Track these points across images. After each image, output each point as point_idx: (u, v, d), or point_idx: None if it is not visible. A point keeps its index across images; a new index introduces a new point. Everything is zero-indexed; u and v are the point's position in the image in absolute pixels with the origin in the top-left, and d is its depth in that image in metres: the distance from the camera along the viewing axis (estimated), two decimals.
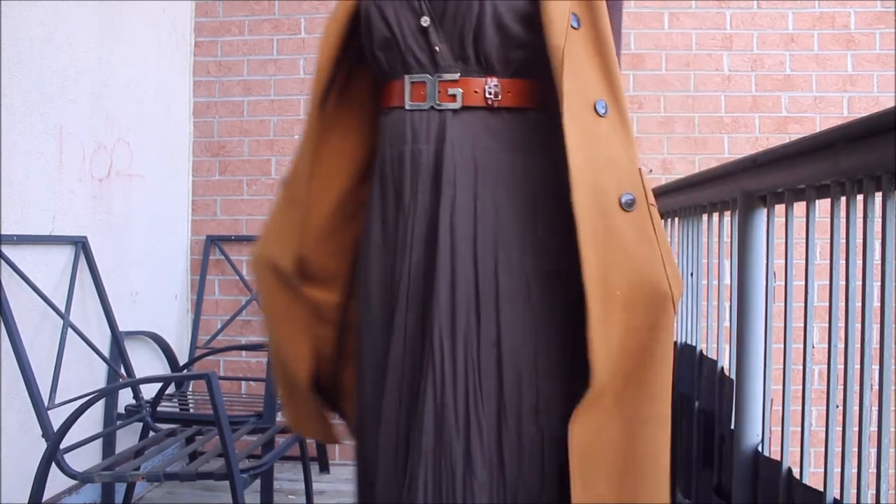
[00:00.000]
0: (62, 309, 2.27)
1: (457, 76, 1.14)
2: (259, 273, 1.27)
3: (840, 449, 1.40)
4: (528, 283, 1.11)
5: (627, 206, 1.08)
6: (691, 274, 2.54)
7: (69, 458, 1.92)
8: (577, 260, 1.04)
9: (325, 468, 3.13)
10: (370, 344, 1.18)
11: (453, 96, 1.14)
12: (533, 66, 1.14)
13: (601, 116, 1.09)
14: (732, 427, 1.85)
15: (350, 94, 1.25)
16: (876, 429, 1.28)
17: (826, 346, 1.47)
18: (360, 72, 1.24)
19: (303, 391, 1.25)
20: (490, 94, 1.14)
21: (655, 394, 1.09)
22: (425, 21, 1.13)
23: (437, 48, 1.14)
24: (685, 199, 2.52)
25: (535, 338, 1.11)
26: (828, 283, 1.48)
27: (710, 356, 2.25)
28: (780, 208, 1.72)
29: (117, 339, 2.53)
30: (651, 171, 3.24)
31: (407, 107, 1.15)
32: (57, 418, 1.99)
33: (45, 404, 2.02)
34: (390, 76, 1.18)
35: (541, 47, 1.10)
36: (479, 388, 1.07)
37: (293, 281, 1.22)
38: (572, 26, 1.09)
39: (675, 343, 2.61)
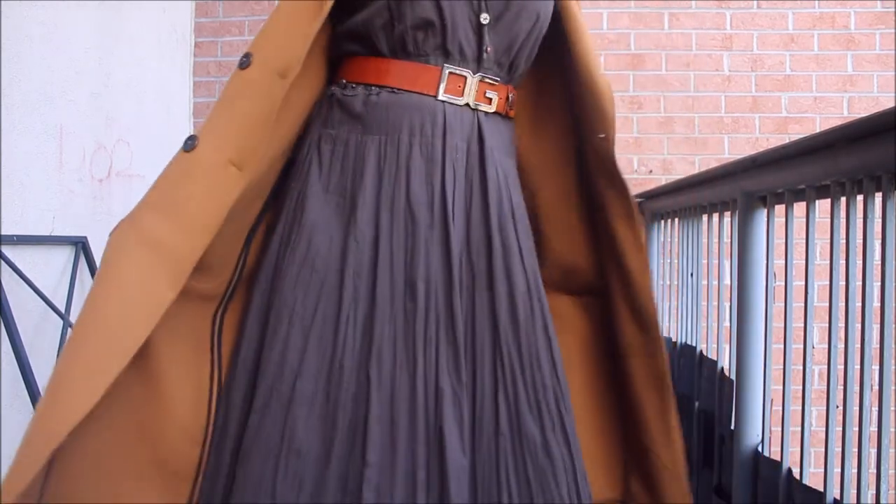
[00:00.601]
0: (62, 309, 2.27)
1: (497, 80, 1.15)
2: (126, 247, 1.03)
3: (840, 449, 1.40)
4: (537, 280, 1.16)
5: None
6: (691, 274, 2.54)
7: None
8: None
9: None
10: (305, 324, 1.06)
11: (490, 99, 1.14)
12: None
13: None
14: (732, 427, 1.85)
15: (314, 58, 1.16)
16: (876, 429, 1.28)
17: (826, 346, 1.47)
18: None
19: (52, 435, 0.95)
20: (510, 103, 1.19)
21: None
22: (485, 18, 1.11)
23: (488, 49, 1.12)
24: (685, 199, 2.52)
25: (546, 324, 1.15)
26: (828, 283, 1.49)
27: (710, 356, 2.25)
28: (780, 208, 1.72)
29: None
30: (651, 171, 3.24)
31: (440, 97, 1.11)
32: None
33: None
34: (420, 57, 1.11)
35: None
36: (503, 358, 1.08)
37: (179, 270, 1.01)
38: None
39: (675, 343, 2.62)
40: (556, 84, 1.26)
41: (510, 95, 1.19)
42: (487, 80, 1.14)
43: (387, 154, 1.10)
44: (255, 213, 1.15)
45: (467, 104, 1.13)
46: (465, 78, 1.12)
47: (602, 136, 1.27)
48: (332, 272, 1.07)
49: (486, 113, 1.15)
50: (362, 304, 1.06)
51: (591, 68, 1.18)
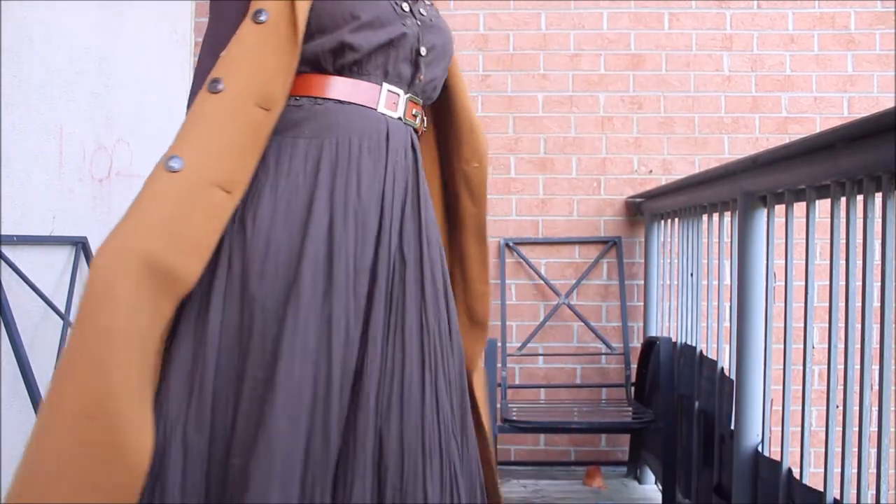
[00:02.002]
0: (62, 309, 2.27)
1: (420, 101, 1.34)
2: (122, 273, 1.05)
3: (840, 449, 1.40)
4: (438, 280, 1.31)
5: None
6: (691, 274, 2.54)
7: None
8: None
9: None
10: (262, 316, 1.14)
11: (415, 116, 1.33)
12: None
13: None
14: (732, 427, 1.85)
15: None
16: (876, 429, 1.28)
17: (826, 346, 1.48)
18: None
19: (129, 490, 1.03)
20: (424, 123, 1.38)
21: None
22: (424, 51, 1.30)
23: (421, 77, 1.31)
24: (685, 199, 2.52)
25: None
26: (828, 283, 1.49)
27: (710, 356, 2.26)
28: (780, 208, 1.72)
29: None
30: (651, 171, 3.24)
31: (380, 110, 1.27)
32: None
33: None
34: (363, 76, 1.26)
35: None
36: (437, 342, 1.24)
37: (178, 291, 1.08)
38: None
39: (675, 343, 2.62)
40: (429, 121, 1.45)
41: (425, 118, 1.37)
42: (413, 101, 1.32)
43: (339, 155, 1.22)
44: None
45: (400, 118, 1.29)
46: (399, 96, 1.29)
47: (476, 165, 1.46)
48: (292, 266, 1.15)
49: (415, 126, 1.33)
50: (321, 290, 1.15)
51: (471, 112, 1.44)
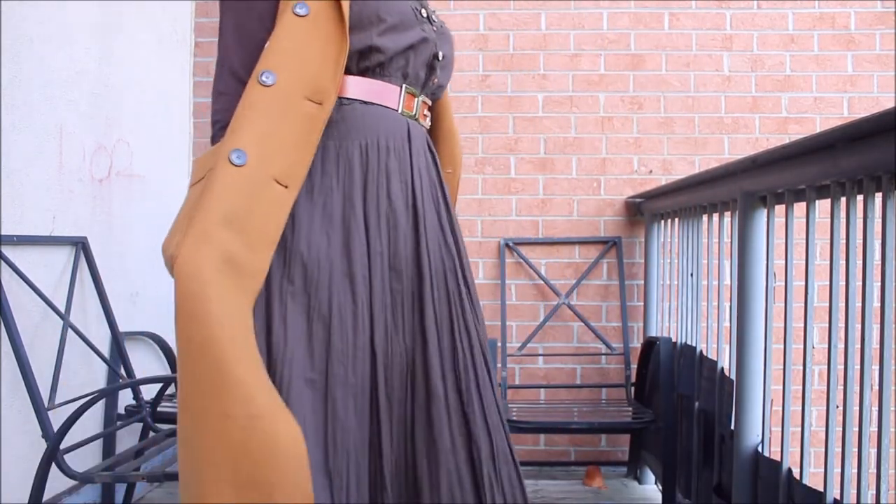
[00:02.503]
0: (62, 309, 2.27)
1: (430, 102, 1.39)
2: (207, 267, 1.06)
3: (840, 449, 1.40)
4: (468, 270, 1.37)
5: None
6: (691, 274, 2.54)
7: (69, 459, 1.92)
8: None
9: None
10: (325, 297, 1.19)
11: (426, 115, 1.38)
12: None
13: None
14: (732, 427, 1.85)
15: None
16: (876, 429, 1.28)
17: (826, 346, 1.48)
18: None
19: (302, 477, 1.06)
20: (431, 120, 1.44)
21: None
22: (440, 56, 1.35)
23: (435, 79, 1.37)
24: (685, 199, 2.52)
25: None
26: (828, 283, 1.49)
27: (710, 356, 2.25)
28: (780, 209, 1.72)
29: (117, 339, 2.53)
30: (651, 171, 3.24)
31: (400, 111, 1.31)
32: (57, 419, 1.99)
33: (45, 405, 2.02)
34: (385, 77, 1.29)
35: None
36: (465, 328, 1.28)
37: (254, 285, 1.11)
38: None
39: (675, 343, 2.62)
40: None
41: (430, 116, 1.43)
42: (425, 101, 1.37)
43: (369, 156, 1.25)
44: None
45: (416, 118, 1.34)
46: (415, 97, 1.34)
47: (450, 170, 1.50)
48: (337, 268, 1.19)
49: (427, 127, 1.40)
50: (365, 290, 1.21)
51: (452, 118, 1.52)
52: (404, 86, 1.31)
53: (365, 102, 1.27)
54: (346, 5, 1.20)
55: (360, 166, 1.24)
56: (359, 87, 1.27)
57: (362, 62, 1.26)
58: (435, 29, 1.35)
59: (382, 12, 1.25)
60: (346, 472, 1.15)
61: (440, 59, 1.34)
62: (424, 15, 1.33)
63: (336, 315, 1.18)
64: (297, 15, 1.19)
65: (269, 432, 1.03)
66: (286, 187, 1.14)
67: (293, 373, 1.14)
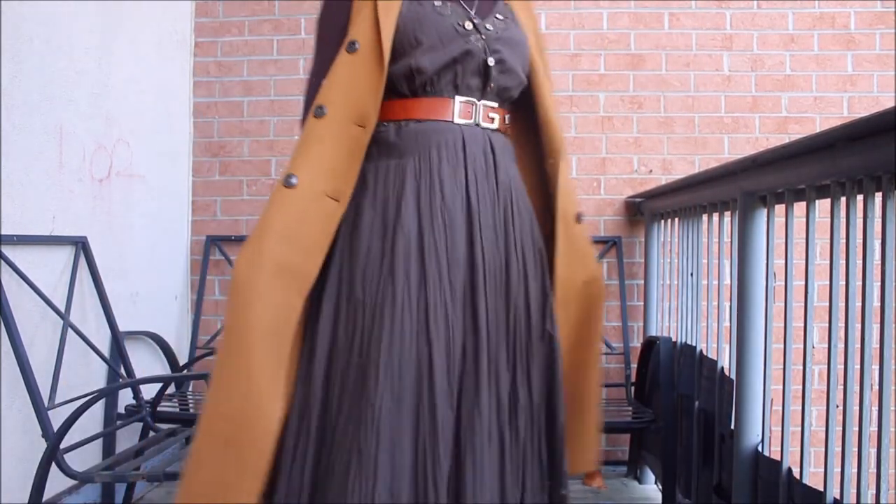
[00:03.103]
0: (62, 309, 2.27)
1: (496, 104, 1.46)
2: (260, 274, 1.28)
3: (840, 449, 1.40)
4: (530, 263, 1.44)
5: (579, 220, 1.52)
6: (691, 274, 2.54)
7: (69, 459, 1.92)
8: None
9: None
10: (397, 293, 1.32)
11: (492, 119, 1.45)
12: (513, 106, 1.53)
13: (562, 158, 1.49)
14: (732, 427, 1.85)
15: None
16: (876, 429, 1.28)
17: (826, 346, 1.47)
18: None
19: (262, 449, 1.26)
20: (507, 122, 1.50)
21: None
22: (491, 61, 1.42)
23: (491, 85, 1.43)
24: (685, 199, 2.52)
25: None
26: (828, 283, 1.49)
27: (710, 356, 2.25)
28: (780, 208, 1.72)
29: (117, 339, 2.53)
30: (651, 171, 3.24)
31: (456, 121, 1.41)
32: (57, 418, 1.99)
33: (45, 404, 2.02)
34: (431, 93, 1.41)
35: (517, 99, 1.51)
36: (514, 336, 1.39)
37: (303, 286, 1.31)
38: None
39: (675, 343, 2.62)
40: (526, 118, 1.57)
41: (506, 116, 1.49)
42: (488, 104, 1.44)
43: (421, 169, 1.37)
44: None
45: (476, 124, 1.43)
46: (473, 104, 1.43)
47: (551, 161, 1.51)
48: (387, 266, 1.33)
49: (492, 130, 1.45)
50: (415, 283, 1.31)
51: (549, 109, 1.51)
52: (457, 97, 1.41)
53: (419, 120, 1.41)
54: (387, 34, 1.36)
55: (413, 177, 1.37)
56: (412, 108, 1.42)
57: (411, 84, 1.40)
58: (485, 38, 1.43)
59: (419, 35, 1.39)
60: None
61: (491, 65, 1.42)
62: (470, 27, 1.42)
63: (372, 307, 1.31)
64: (350, 52, 1.38)
65: (256, 405, 1.26)
66: (337, 201, 1.34)
67: (331, 356, 1.34)
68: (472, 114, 1.42)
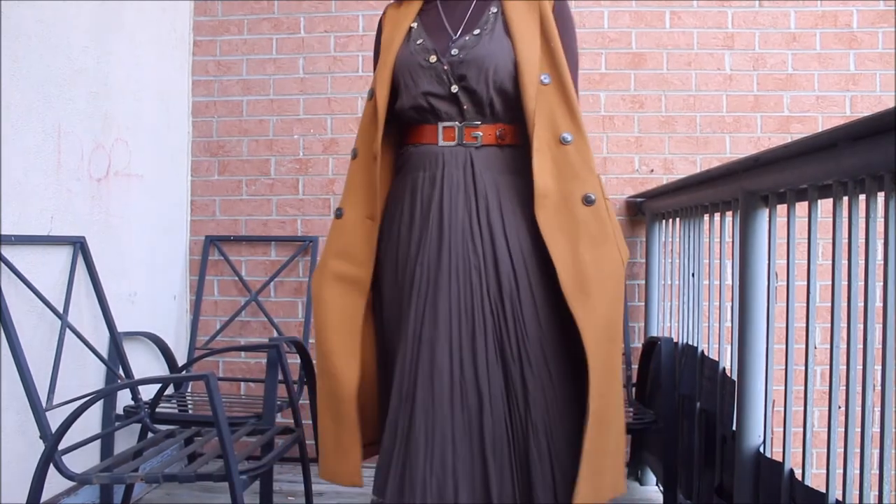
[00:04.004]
0: (60, 309, 2.26)
1: (478, 123, 1.65)
2: (326, 288, 1.70)
3: (842, 450, 1.39)
4: (527, 261, 1.62)
5: (588, 202, 1.60)
6: (693, 274, 2.53)
7: (67, 460, 1.91)
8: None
9: None
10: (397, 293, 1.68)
11: (475, 137, 1.65)
12: (519, 115, 1.64)
13: (566, 144, 1.61)
14: (734, 428, 1.84)
15: (387, 135, 1.71)
16: (879, 429, 1.27)
17: (828, 346, 1.47)
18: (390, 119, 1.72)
19: (348, 409, 1.63)
20: (500, 135, 1.66)
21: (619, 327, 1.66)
22: (455, 89, 1.63)
23: (466, 108, 1.65)
24: (686, 198, 2.51)
25: (539, 293, 1.62)
26: (830, 283, 1.48)
27: (711, 356, 2.25)
28: (781, 208, 1.71)
29: (116, 339, 2.52)
30: (652, 170, 3.23)
31: (440, 144, 1.66)
32: (55, 419, 1.98)
33: (43, 405, 2.01)
34: (422, 122, 1.68)
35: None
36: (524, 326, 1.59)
37: (362, 288, 1.69)
38: (543, 83, 1.63)
39: (677, 343, 2.61)
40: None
41: (500, 131, 1.66)
42: (470, 125, 1.65)
43: (413, 186, 1.68)
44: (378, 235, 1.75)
45: (460, 144, 1.65)
46: (455, 127, 1.65)
47: (542, 132, 1.65)
48: (391, 260, 1.71)
49: (476, 147, 1.65)
50: (427, 279, 1.61)
51: (526, 100, 1.62)
52: (440, 123, 1.65)
53: (416, 145, 1.70)
54: (381, 90, 1.66)
55: (409, 193, 1.68)
56: (413, 134, 1.71)
57: (408, 116, 1.70)
58: (447, 66, 1.63)
59: (400, 77, 1.67)
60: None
61: (455, 91, 1.63)
62: (434, 60, 1.64)
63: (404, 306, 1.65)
64: (368, 99, 1.73)
65: (337, 377, 1.64)
66: (373, 220, 1.70)
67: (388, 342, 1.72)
68: (455, 136, 1.65)
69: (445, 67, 1.62)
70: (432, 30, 1.68)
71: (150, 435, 2.37)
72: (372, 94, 1.69)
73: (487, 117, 1.65)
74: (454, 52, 1.63)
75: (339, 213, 1.73)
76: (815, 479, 1.53)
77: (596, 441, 1.52)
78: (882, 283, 1.28)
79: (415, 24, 1.70)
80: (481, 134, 1.64)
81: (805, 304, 1.56)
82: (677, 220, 2.73)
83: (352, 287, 1.67)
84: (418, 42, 1.66)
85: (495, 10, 1.67)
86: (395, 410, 1.55)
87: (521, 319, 1.56)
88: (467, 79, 1.61)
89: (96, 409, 2.56)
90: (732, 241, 2.00)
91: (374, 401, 1.73)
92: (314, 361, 1.96)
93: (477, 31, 1.64)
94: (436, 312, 1.55)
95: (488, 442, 1.51)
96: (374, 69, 1.78)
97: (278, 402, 2.49)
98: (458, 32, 1.65)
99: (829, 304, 1.48)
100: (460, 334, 1.53)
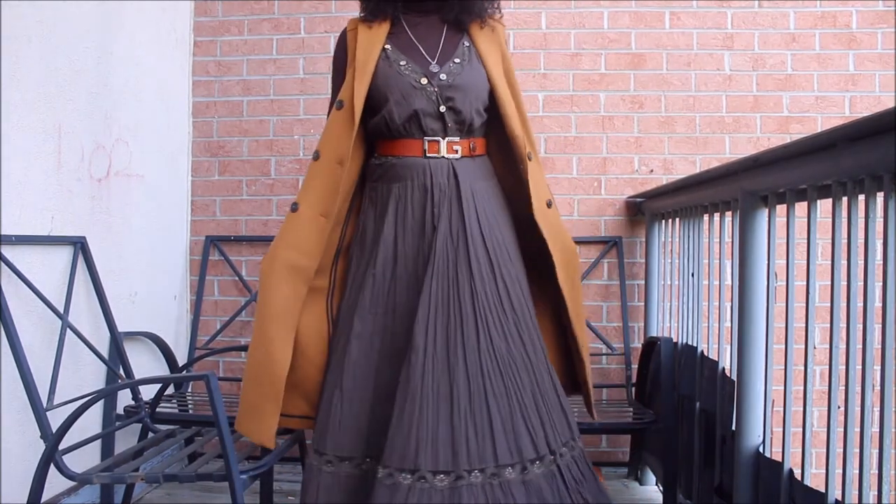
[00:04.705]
0: (61, 309, 2.26)
1: (457, 138, 1.89)
2: (275, 274, 1.84)
3: (842, 450, 1.39)
4: (515, 258, 1.92)
5: (550, 206, 1.97)
6: (692, 274, 2.54)
7: (68, 460, 1.91)
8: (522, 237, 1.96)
9: None
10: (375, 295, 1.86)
11: (456, 150, 1.89)
12: (485, 130, 1.97)
13: (531, 160, 1.93)
14: (734, 428, 1.85)
15: (356, 138, 1.88)
16: (878, 429, 1.27)
17: (828, 346, 1.47)
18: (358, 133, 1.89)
19: (276, 383, 1.83)
20: (472, 148, 1.92)
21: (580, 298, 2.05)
22: (443, 109, 1.87)
23: (450, 125, 1.88)
24: (686, 199, 2.52)
25: (522, 287, 1.90)
26: (829, 283, 1.48)
27: (711, 356, 2.25)
28: (781, 208, 1.71)
29: (116, 339, 2.52)
30: (652, 170, 3.23)
31: (425, 156, 1.88)
32: (55, 419, 1.98)
33: (44, 405, 2.01)
34: (406, 136, 1.88)
35: (491, 118, 1.95)
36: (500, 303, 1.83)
37: (306, 277, 1.86)
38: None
39: (676, 343, 2.61)
40: (501, 133, 1.96)
41: (472, 144, 1.92)
42: (451, 140, 1.89)
43: (400, 193, 1.88)
44: (338, 237, 1.95)
45: (443, 156, 1.88)
46: (438, 141, 1.88)
47: (522, 166, 1.93)
48: (374, 264, 1.87)
49: (457, 158, 1.89)
50: (389, 276, 1.85)
51: (513, 122, 1.91)
52: (425, 138, 1.87)
53: (399, 156, 1.89)
54: (358, 102, 1.83)
55: (393, 200, 1.87)
56: (393, 147, 1.90)
57: (388, 130, 1.88)
58: (437, 88, 1.86)
59: (388, 93, 1.85)
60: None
61: (443, 111, 1.86)
62: (425, 82, 1.86)
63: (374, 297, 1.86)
64: (338, 109, 1.88)
65: (270, 353, 1.83)
66: (326, 218, 1.86)
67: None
68: (438, 149, 1.87)
69: (435, 90, 1.86)
70: (408, 52, 1.89)
71: (150, 435, 2.37)
72: (342, 105, 1.86)
73: (464, 133, 1.90)
74: (443, 77, 1.87)
75: (294, 208, 1.87)
76: (814, 479, 1.54)
77: (587, 368, 2.04)
78: (881, 284, 1.28)
79: (388, 46, 1.89)
80: (460, 147, 1.89)
81: (804, 305, 1.56)
82: (677, 220, 2.74)
83: (298, 276, 1.85)
84: (401, 63, 1.87)
85: (468, 44, 1.93)
86: (375, 385, 1.79)
87: (496, 305, 1.80)
88: (454, 101, 1.86)
89: (97, 409, 2.56)
90: (732, 242, 2.00)
91: (315, 378, 1.90)
92: None
93: (458, 60, 1.90)
94: (417, 302, 1.77)
95: (457, 410, 1.67)
96: (333, 80, 1.98)
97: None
98: (437, 59, 1.89)
99: (829, 305, 1.48)
100: (437, 321, 1.75)
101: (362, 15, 1.96)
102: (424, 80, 1.85)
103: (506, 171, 1.97)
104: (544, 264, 1.95)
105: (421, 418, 1.65)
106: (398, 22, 1.94)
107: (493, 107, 1.93)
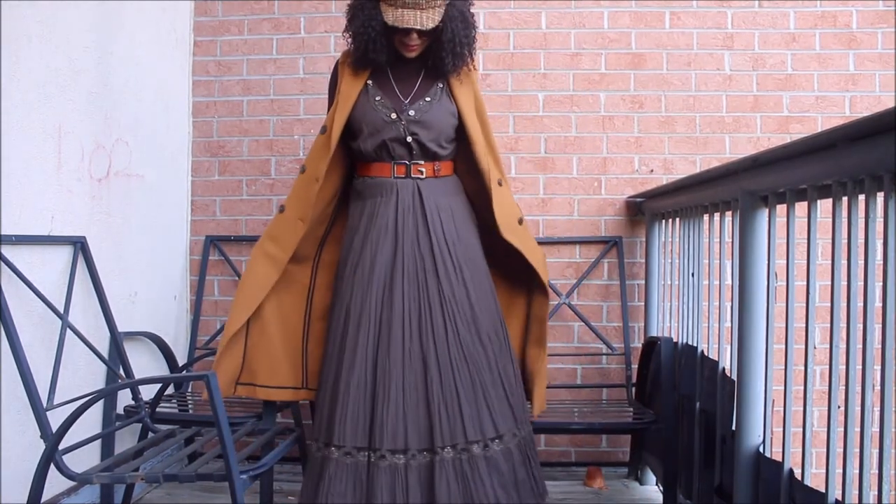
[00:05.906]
0: (61, 309, 2.26)
1: (422, 162, 2.21)
2: (257, 258, 2.24)
3: (842, 450, 1.39)
4: (477, 260, 2.25)
5: (521, 223, 2.32)
6: (692, 274, 2.54)
7: (68, 460, 1.91)
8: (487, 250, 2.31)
9: None
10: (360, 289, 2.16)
11: (421, 171, 2.21)
12: (449, 156, 2.27)
13: (501, 186, 2.26)
14: (734, 428, 1.85)
15: (335, 159, 2.22)
16: (878, 429, 1.27)
17: (828, 346, 1.47)
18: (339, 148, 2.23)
19: (237, 349, 2.23)
20: (437, 170, 2.24)
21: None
22: (409, 139, 2.18)
23: (415, 152, 2.20)
24: (686, 199, 2.52)
25: (483, 285, 2.24)
26: (829, 283, 1.48)
27: (711, 356, 2.25)
28: (781, 208, 1.71)
29: (116, 339, 2.52)
30: (652, 170, 3.23)
31: (393, 177, 2.21)
32: (55, 419, 1.98)
33: (44, 405, 2.01)
34: (378, 160, 2.22)
35: (463, 146, 2.27)
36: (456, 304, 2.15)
37: (279, 265, 2.22)
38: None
39: (676, 343, 2.61)
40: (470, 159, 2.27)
41: (436, 167, 2.23)
42: (416, 163, 2.21)
43: (371, 209, 2.21)
44: (322, 233, 2.33)
45: (408, 177, 2.21)
46: (405, 165, 2.21)
47: (488, 194, 2.23)
48: (354, 271, 2.20)
49: (421, 178, 2.21)
50: (366, 282, 2.16)
51: (480, 158, 2.23)
52: (393, 162, 2.20)
53: (373, 177, 2.23)
54: (336, 131, 2.17)
55: (367, 213, 2.21)
56: (368, 168, 2.24)
57: (362, 154, 2.22)
58: (404, 122, 2.17)
59: (362, 125, 2.19)
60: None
61: (409, 142, 2.17)
62: (395, 117, 2.17)
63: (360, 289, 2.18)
64: (322, 133, 2.22)
65: (240, 320, 2.21)
66: (303, 222, 2.20)
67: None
68: (406, 171, 2.20)
69: (403, 123, 2.18)
70: (386, 90, 2.21)
71: (150, 435, 2.37)
72: (325, 130, 2.20)
73: (429, 158, 2.21)
74: (412, 112, 2.18)
75: (282, 209, 2.25)
76: (814, 479, 1.54)
77: (544, 362, 2.38)
78: (881, 284, 1.28)
79: (370, 82, 2.21)
80: (424, 169, 2.21)
81: (804, 305, 1.56)
82: (677, 220, 2.74)
83: (273, 263, 2.22)
84: (377, 99, 2.19)
85: (441, 85, 2.22)
86: (360, 373, 2.04)
87: (461, 301, 2.12)
88: (419, 135, 2.18)
89: (97, 409, 2.56)
90: (732, 241, 2.00)
91: (296, 352, 2.31)
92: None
93: (428, 99, 2.20)
94: (392, 301, 2.09)
95: (432, 395, 2.00)
96: (328, 104, 2.31)
97: (278, 402, 2.49)
98: (410, 98, 2.20)
99: (829, 305, 1.48)
100: (410, 316, 2.07)
101: (348, 61, 2.23)
102: (394, 116, 2.18)
103: (476, 190, 2.29)
104: (518, 262, 2.31)
105: (407, 405, 2.00)
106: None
107: (462, 138, 2.24)
